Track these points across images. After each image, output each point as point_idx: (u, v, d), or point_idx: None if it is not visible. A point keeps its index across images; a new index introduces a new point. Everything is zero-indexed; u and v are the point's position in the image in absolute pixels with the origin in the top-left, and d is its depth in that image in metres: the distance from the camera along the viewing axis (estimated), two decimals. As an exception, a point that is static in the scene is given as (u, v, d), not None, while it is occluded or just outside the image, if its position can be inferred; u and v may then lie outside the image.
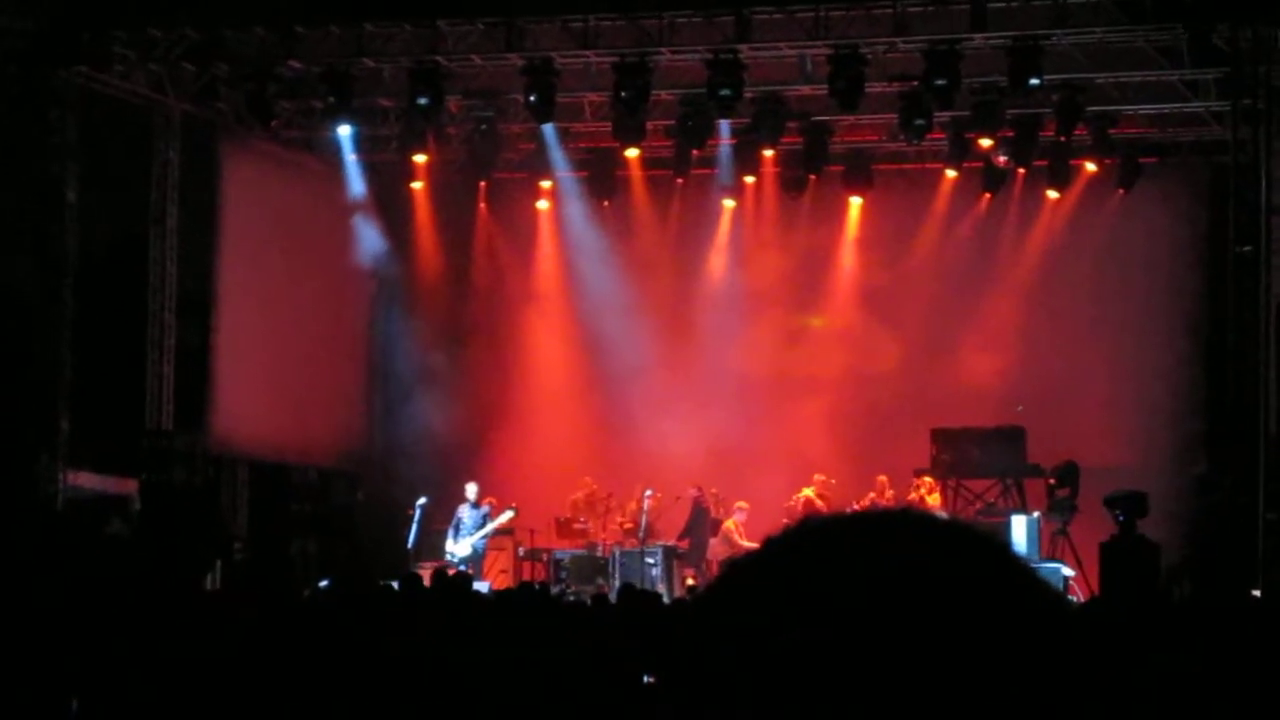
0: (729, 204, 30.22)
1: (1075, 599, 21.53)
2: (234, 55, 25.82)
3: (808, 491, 26.94)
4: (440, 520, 26.47)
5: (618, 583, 23.94)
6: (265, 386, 28.10)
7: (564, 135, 28.92)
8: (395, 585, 16.14)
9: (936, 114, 25.62)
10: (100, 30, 25.04)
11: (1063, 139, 26.72)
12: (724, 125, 27.68)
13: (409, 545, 26.12)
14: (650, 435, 28.47)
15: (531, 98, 25.46)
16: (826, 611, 1.50)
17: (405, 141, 28.68)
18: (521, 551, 27.23)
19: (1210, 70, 24.85)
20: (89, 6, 24.78)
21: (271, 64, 25.86)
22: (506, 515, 26.18)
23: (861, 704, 1.47)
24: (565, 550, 26.98)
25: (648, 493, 26.92)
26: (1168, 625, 10.03)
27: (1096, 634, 1.56)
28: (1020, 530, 24.80)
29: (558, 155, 29.31)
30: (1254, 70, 23.53)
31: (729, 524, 26.73)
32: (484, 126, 28.00)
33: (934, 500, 26.66)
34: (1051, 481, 26.41)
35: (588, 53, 25.34)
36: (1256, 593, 20.17)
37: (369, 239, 29.86)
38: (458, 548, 25.80)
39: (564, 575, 26.13)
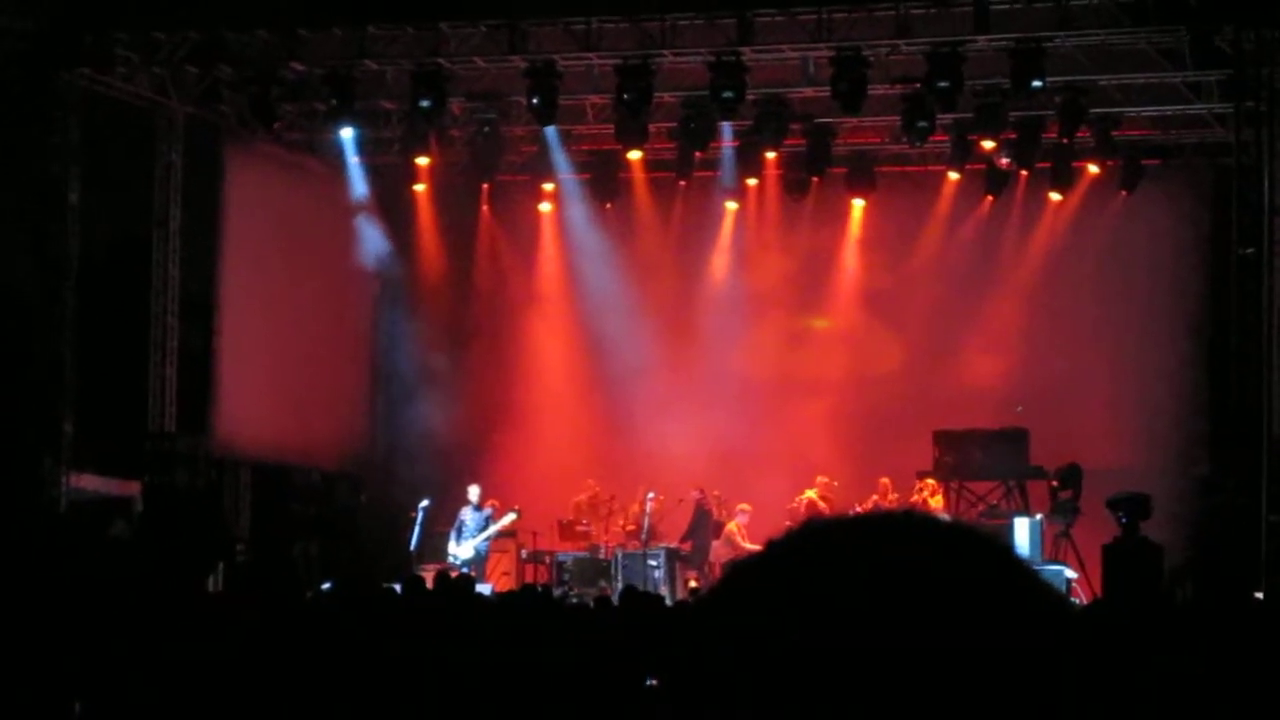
0: (731, 206, 30.22)
1: (1078, 601, 21.52)
2: (237, 57, 25.83)
3: (810, 494, 26.93)
4: (443, 522, 26.47)
5: (620, 585, 23.92)
6: (268, 388, 28.11)
7: (566, 137, 28.92)
8: (398, 587, 16.16)
9: (939, 116, 25.63)
10: (102, 32, 25.05)
11: (1065, 141, 26.72)
12: (726, 127, 27.68)
13: (411, 547, 26.13)
14: (652, 437, 28.47)
15: (534, 100, 25.47)
16: (829, 614, 1.50)
17: (408, 144, 28.69)
18: (524, 554, 27.23)
19: (1213, 72, 24.86)
20: (91, 8, 24.79)
21: (274, 66, 25.87)
22: (509, 517, 26.18)
23: (864, 706, 1.46)
24: (568, 552, 26.96)
25: (650, 495, 26.91)
26: (1170, 627, 10.02)
27: (1099, 636, 1.56)
28: (1023, 532, 24.78)
29: (560, 157, 29.32)
30: (1257, 72, 23.52)
31: (731, 526, 26.71)
32: (486, 129, 28.02)
33: (937, 502, 26.65)
34: (1054, 483, 26.39)
35: (590, 55, 25.35)
36: (1259, 595, 20.17)
37: (371, 241, 29.86)
38: (460, 550, 25.80)
39: (566, 577, 26.12)
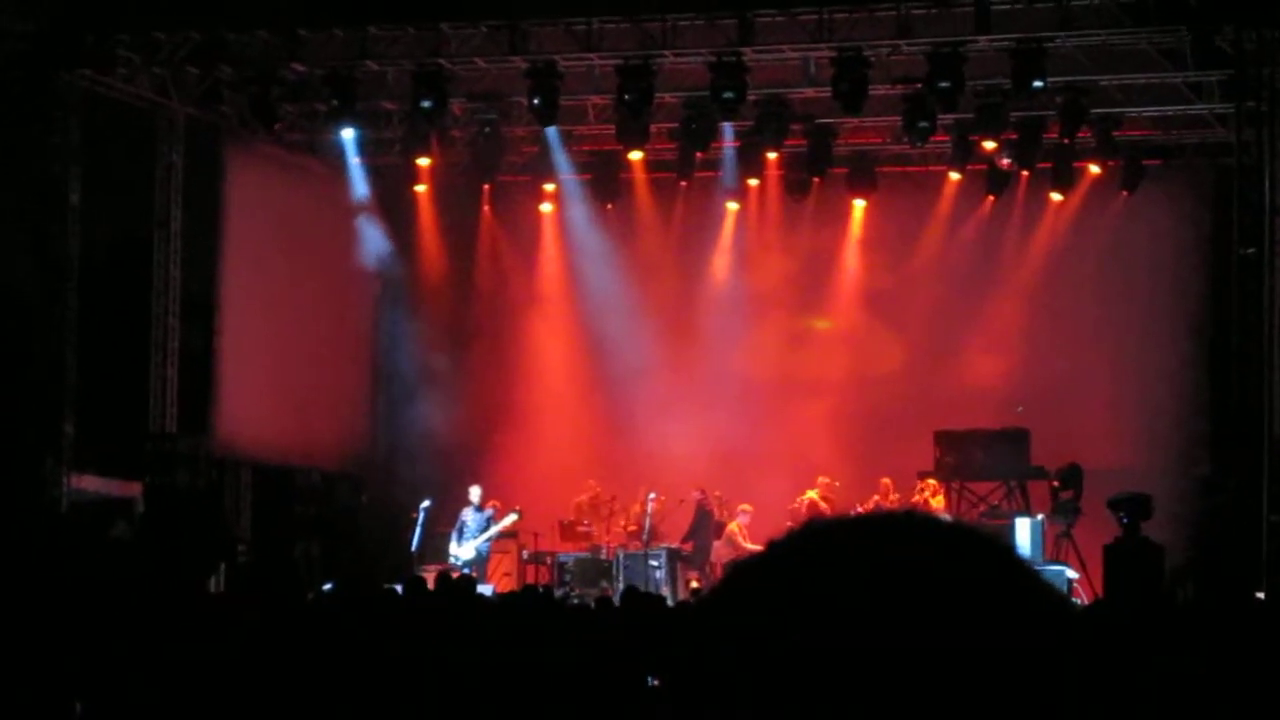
0: (732, 206, 30.22)
1: (1079, 601, 21.52)
2: (237, 58, 25.83)
3: (811, 494, 26.93)
4: (444, 523, 26.47)
5: (621, 585, 23.92)
6: (269, 389, 28.11)
7: (567, 138, 28.91)
8: (399, 588, 16.15)
9: (940, 116, 25.63)
10: (103, 33, 25.05)
11: (1066, 141, 26.72)
12: (727, 128, 27.68)
13: (413, 548, 26.13)
14: (654, 438, 28.47)
15: (535, 100, 25.47)
16: (830, 614, 1.50)
17: (409, 144, 28.70)
18: (525, 554, 27.22)
19: (1214, 72, 24.85)
20: (92, 9, 24.79)
21: (275, 67, 25.87)
22: (510, 518, 26.18)
23: (865, 706, 1.46)
24: (569, 553, 26.96)
25: (651, 495, 26.91)
26: (1172, 627, 10.02)
27: (1100, 636, 1.56)
28: (1024, 532, 24.77)
29: (561, 158, 29.32)
30: (1258, 72, 23.53)
31: (733, 526, 26.71)
32: (487, 129, 28.02)
33: (938, 503, 26.65)
34: (1055, 484, 26.38)
35: (591, 55, 25.35)
36: (1260, 595, 20.17)
37: (372, 242, 29.86)
38: (461, 551, 25.80)
39: (567, 578, 26.12)
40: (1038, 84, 23.91)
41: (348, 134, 28.05)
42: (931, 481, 27.01)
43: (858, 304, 29.97)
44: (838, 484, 27.15)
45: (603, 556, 26.78)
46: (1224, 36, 23.35)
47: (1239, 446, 23.59)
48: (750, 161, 28.71)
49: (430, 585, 17.68)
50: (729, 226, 30.35)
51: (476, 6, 24.89)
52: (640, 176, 29.57)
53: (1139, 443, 27.27)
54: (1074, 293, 28.82)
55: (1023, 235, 29.29)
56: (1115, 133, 26.95)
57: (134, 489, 25.95)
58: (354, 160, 28.92)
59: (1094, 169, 28.40)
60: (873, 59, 24.45)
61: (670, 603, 20.80)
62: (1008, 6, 23.68)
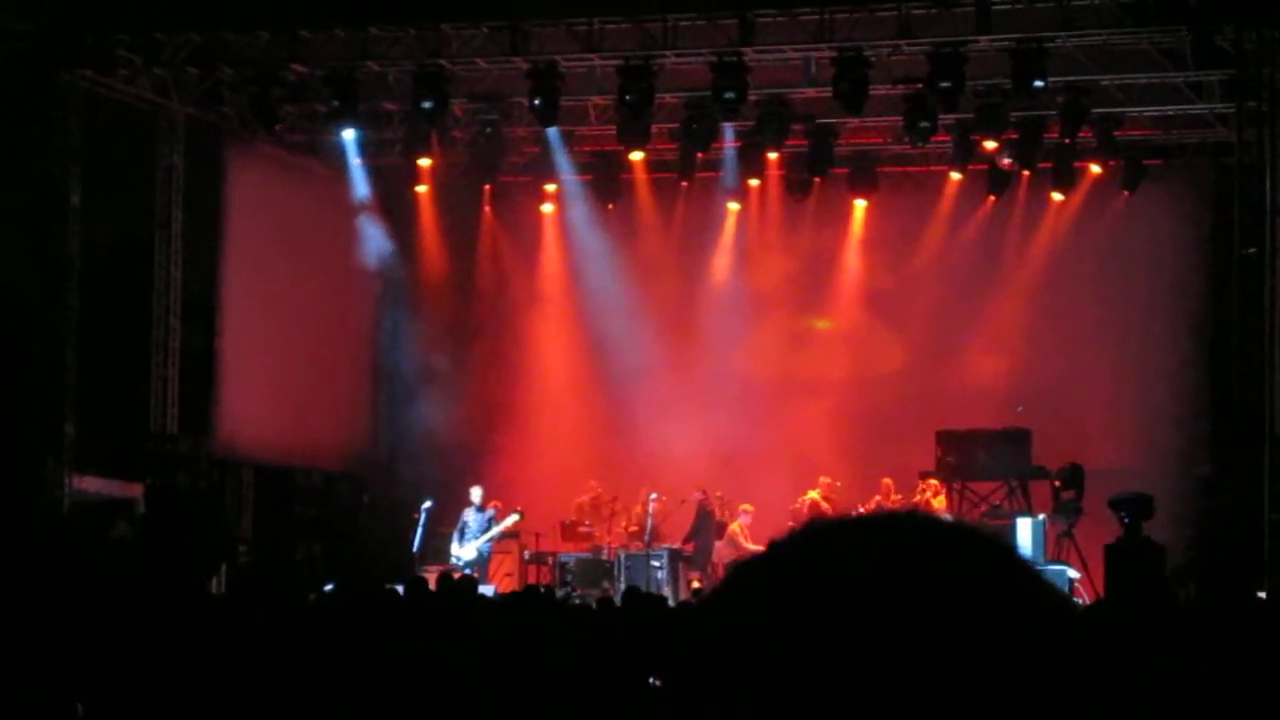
0: (733, 207, 30.22)
1: (1080, 601, 21.52)
2: (238, 59, 25.84)
3: (813, 494, 26.92)
4: (445, 523, 26.47)
5: (623, 586, 23.92)
6: (270, 390, 28.11)
7: (568, 138, 28.91)
8: (400, 588, 16.15)
9: (941, 116, 25.63)
10: (104, 33, 25.06)
11: (1067, 141, 26.72)
12: (728, 128, 27.68)
13: (414, 548, 26.13)
14: (655, 438, 28.47)
15: (536, 101, 25.48)
16: (832, 614, 1.50)
17: (410, 145, 28.71)
18: (526, 555, 27.22)
19: (1215, 72, 24.85)
20: (92, 9, 24.80)
21: (276, 68, 25.87)
22: (511, 519, 26.18)
23: (867, 707, 1.46)
24: (570, 553, 26.96)
25: (652, 496, 26.91)
26: (1173, 627, 10.02)
27: (1101, 636, 1.56)
28: (1025, 532, 24.77)
29: (562, 158, 29.32)
30: (1258, 72, 23.53)
31: (734, 527, 26.71)
32: (488, 130, 28.02)
33: (939, 503, 26.65)
34: (1057, 484, 26.38)
35: (592, 56, 25.36)
36: (1262, 594, 20.18)
37: (373, 242, 29.86)
38: (463, 551, 25.79)
39: (569, 578, 26.11)
40: (1038, 84, 23.92)
41: (349, 134, 28.05)
42: (933, 481, 27.01)
43: (859, 304, 29.97)
44: (839, 484, 27.14)
45: (604, 557, 26.78)
46: (1224, 36, 23.36)
47: (1240, 446, 23.59)
48: (751, 161, 28.71)
49: (432, 586, 17.68)
50: (730, 227, 30.35)
51: (477, 7, 24.90)
52: (641, 177, 29.57)
53: (1140, 442, 27.27)
54: (1075, 292, 28.82)
55: (1024, 235, 29.28)
56: (1116, 132, 26.95)
57: (135, 490, 25.95)
58: (355, 161, 28.92)
59: (1095, 169, 28.40)
60: (873, 59, 24.45)
61: (672, 603, 20.79)
62: (1008, 6, 23.68)
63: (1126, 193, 28.43)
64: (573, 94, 26.27)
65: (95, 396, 25.74)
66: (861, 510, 22.77)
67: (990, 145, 27.09)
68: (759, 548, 1.64)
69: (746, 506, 26.88)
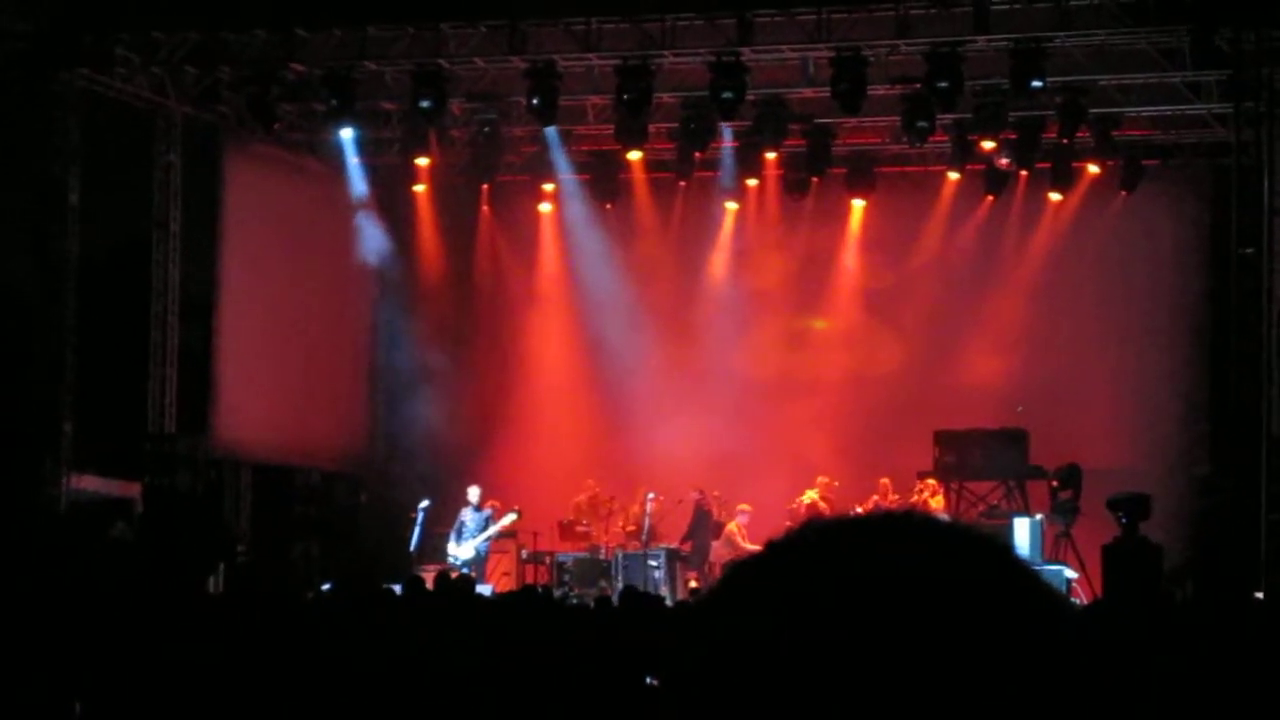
0: (731, 206, 30.22)
1: (1078, 601, 21.52)
2: (236, 58, 25.84)
3: (810, 494, 26.92)
4: (443, 523, 26.46)
5: (620, 585, 23.92)
6: (268, 389, 28.10)
7: (566, 138, 28.92)
8: (398, 588, 16.15)
9: (939, 116, 25.63)
10: (102, 33, 25.06)
11: (1065, 141, 26.72)
12: (726, 128, 27.68)
13: (411, 548, 26.12)
14: (652, 437, 28.46)
15: (534, 100, 25.47)
16: (829, 614, 1.50)
17: (407, 144, 28.71)
18: (524, 554, 27.22)
19: (1213, 72, 24.85)
20: (91, 9, 24.79)
21: (274, 67, 25.86)
22: (509, 518, 26.17)
23: (864, 707, 1.47)
24: (568, 553, 26.96)
25: (650, 495, 26.91)
26: (1170, 627, 10.02)
27: (1099, 636, 1.56)
28: (1023, 533, 24.77)
29: (560, 158, 29.32)
30: (1257, 72, 23.53)
31: (731, 526, 26.71)
32: (486, 129, 28.01)
33: (937, 503, 26.64)
34: (1054, 484, 26.39)
35: (590, 55, 25.36)
36: (1259, 594, 20.17)
37: (371, 241, 29.84)
38: (460, 550, 25.79)
39: (566, 578, 26.11)
40: (1036, 84, 23.92)
41: (347, 134, 28.05)
42: (930, 481, 27.01)
43: (857, 304, 29.97)
44: (837, 484, 27.13)
45: (601, 556, 26.78)
46: (1223, 36, 23.35)
47: (1238, 446, 23.60)
48: (749, 161, 28.71)
49: (429, 585, 17.67)
50: (728, 226, 30.35)
51: (476, 6, 24.90)
52: (639, 176, 29.57)
53: (1138, 442, 27.28)
54: (1073, 292, 28.83)
55: (1021, 235, 29.28)
56: (1114, 132, 26.94)
57: (133, 489, 25.95)
58: (353, 160, 28.91)
59: (1093, 169, 28.41)
60: (871, 59, 24.45)
61: (669, 603, 20.79)
62: (1006, 6, 23.68)
63: (1124, 193, 28.44)
64: (571, 93, 26.27)
65: (93, 396, 25.73)
66: (859, 510, 22.75)
67: (988, 145, 27.09)
68: (756, 548, 1.64)
69: (744, 506, 26.88)
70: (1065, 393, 27.88)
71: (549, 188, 30.50)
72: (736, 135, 28.09)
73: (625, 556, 26.49)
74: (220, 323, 27.72)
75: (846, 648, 1.48)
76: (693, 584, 26.14)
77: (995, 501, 27.18)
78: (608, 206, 30.04)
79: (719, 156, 28.90)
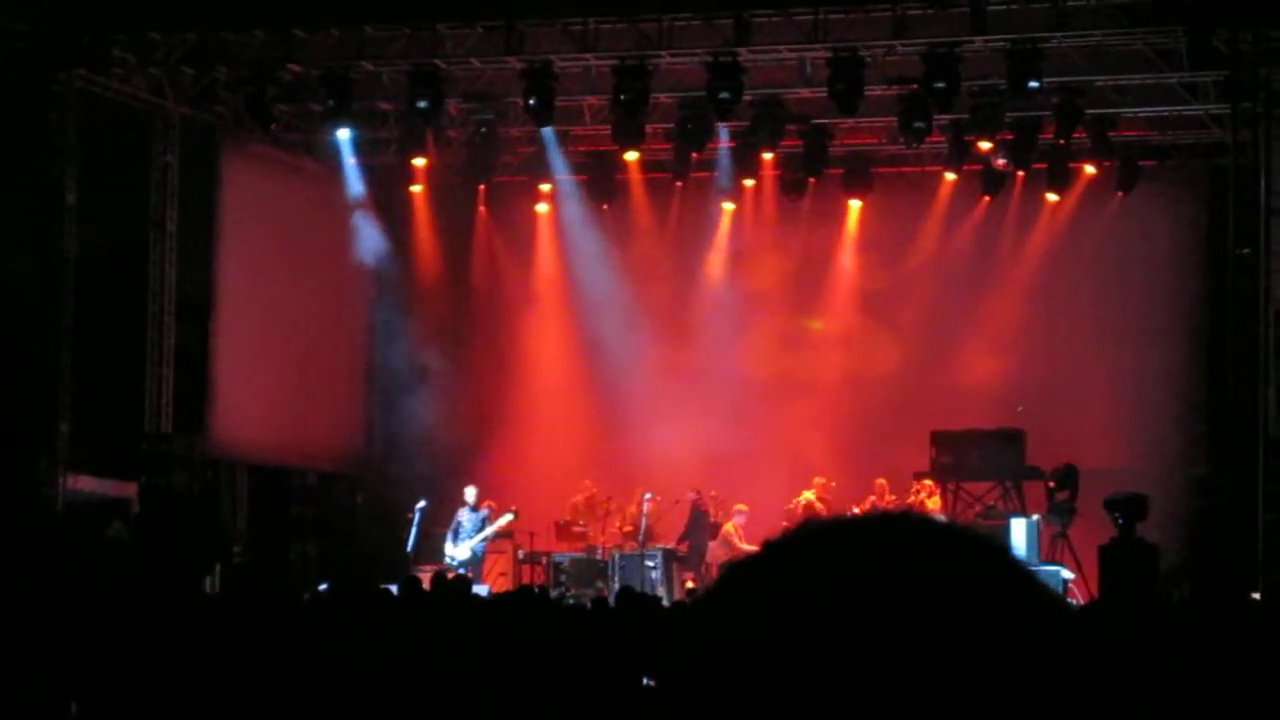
0: (728, 207, 30.22)
1: (1075, 602, 21.53)
2: (233, 58, 25.84)
3: (807, 494, 26.93)
4: (439, 523, 26.46)
5: (617, 586, 23.93)
6: (265, 389, 28.10)
7: (563, 138, 28.93)
8: (394, 588, 16.14)
9: (936, 117, 25.62)
10: (100, 33, 25.05)
11: (1062, 142, 26.74)
12: (723, 128, 27.69)
13: (408, 548, 26.11)
14: (649, 438, 28.45)
15: (531, 101, 25.48)
16: (826, 615, 1.50)
17: (404, 144, 28.70)
18: (521, 554, 27.22)
19: (1210, 73, 24.86)
20: (88, 9, 24.79)
21: (271, 67, 25.86)
22: (506, 518, 26.17)
23: (860, 707, 1.47)
24: (564, 553, 26.96)
25: (647, 496, 26.91)
26: (1167, 628, 10.02)
27: (1096, 637, 1.56)
28: (1020, 533, 24.78)
29: (557, 158, 29.32)
30: (1254, 73, 23.54)
31: (728, 527, 26.72)
32: (483, 129, 28.01)
33: (934, 503, 26.65)
34: (1051, 484, 26.40)
35: (587, 56, 25.35)
36: (1256, 595, 20.18)
37: (368, 242, 29.83)
38: (457, 551, 25.79)
39: (563, 578, 26.12)
40: (1033, 84, 23.93)
41: (343, 134, 28.04)
42: (927, 482, 27.02)
43: (853, 304, 29.98)
44: (833, 484, 27.15)
45: (598, 557, 26.78)
46: (1220, 37, 23.36)
47: (1235, 446, 23.60)
48: (746, 162, 28.71)
49: (426, 585, 17.66)
50: (725, 227, 30.35)
51: (473, 7, 24.90)
52: (636, 177, 29.56)
53: (1135, 443, 27.29)
54: (1070, 293, 28.84)
55: (1018, 235, 29.29)
56: (1111, 133, 26.94)
57: (129, 489, 25.94)
58: (350, 160, 28.90)
59: (1089, 169, 28.41)
60: (868, 59, 24.45)
61: (666, 603, 20.78)
62: (1003, 7, 23.69)
63: (1121, 193, 28.44)
64: (568, 94, 26.27)
65: (90, 395, 25.72)
66: (856, 511, 22.80)
67: (985, 146, 27.09)
68: (753, 548, 1.64)
69: (741, 507, 26.89)
70: (1062, 393, 27.89)
71: (546, 188, 30.50)
72: (733, 135, 28.09)
73: (622, 557, 26.49)
74: (217, 323, 27.71)
75: (843, 648, 1.48)
76: (689, 584, 26.14)
77: (992, 502, 27.19)
78: (605, 207, 30.03)
79: (716, 157, 28.90)
